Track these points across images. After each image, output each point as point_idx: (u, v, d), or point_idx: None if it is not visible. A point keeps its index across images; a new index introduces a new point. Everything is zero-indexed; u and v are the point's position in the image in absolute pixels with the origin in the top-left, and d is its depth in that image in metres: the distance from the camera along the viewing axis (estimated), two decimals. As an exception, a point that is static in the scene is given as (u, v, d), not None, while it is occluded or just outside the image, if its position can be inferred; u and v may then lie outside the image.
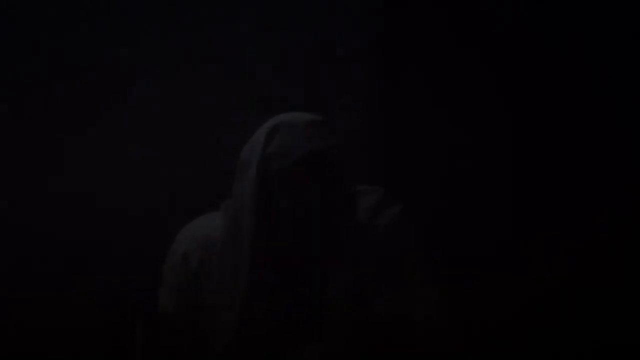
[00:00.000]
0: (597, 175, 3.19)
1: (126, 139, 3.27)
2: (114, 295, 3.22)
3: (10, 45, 3.25)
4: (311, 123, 2.27)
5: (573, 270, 3.15)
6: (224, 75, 3.30)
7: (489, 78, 3.26)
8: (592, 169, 3.20)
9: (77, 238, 3.24)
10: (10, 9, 3.24)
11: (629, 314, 3.10)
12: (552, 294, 3.14)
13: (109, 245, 3.25)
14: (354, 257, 2.25)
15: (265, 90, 3.29)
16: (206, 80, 3.29)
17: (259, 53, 3.30)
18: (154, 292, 2.40)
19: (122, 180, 3.26)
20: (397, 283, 2.24)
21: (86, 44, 3.27)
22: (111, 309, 3.21)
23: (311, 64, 3.30)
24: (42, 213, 3.24)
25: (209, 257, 2.30)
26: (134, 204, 3.26)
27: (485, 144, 3.25)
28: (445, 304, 2.24)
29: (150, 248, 3.17)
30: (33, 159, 3.25)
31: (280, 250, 2.24)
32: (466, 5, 3.26)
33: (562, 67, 3.23)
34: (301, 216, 2.21)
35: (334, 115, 3.24)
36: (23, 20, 3.26)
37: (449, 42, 3.28)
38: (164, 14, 3.29)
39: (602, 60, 3.21)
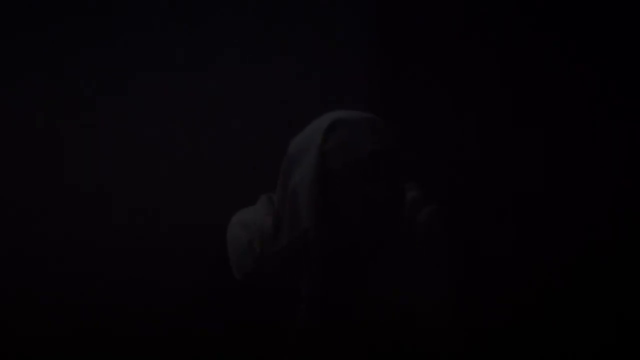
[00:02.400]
0: (600, 173, 3.19)
1: (126, 136, 3.28)
2: (115, 295, 3.22)
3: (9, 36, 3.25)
4: (369, 121, 2.27)
5: (575, 270, 3.15)
6: (222, 74, 3.30)
7: (491, 75, 3.26)
8: (595, 165, 3.20)
9: (78, 237, 3.24)
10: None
11: (630, 315, 3.10)
12: (553, 295, 3.14)
13: (115, 243, 3.25)
14: (395, 248, 2.27)
15: (264, 89, 3.29)
16: (203, 79, 3.30)
17: (258, 51, 3.30)
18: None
19: (126, 176, 3.27)
20: (418, 280, 2.26)
21: (85, 38, 3.28)
22: (113, 309, 3.21)
23: (311, 63, 3.30)
24: (42, 209, 3.24)
25: (268, 246, 2.31)
26: (139, 201, 3.27)
27: (488, 140, 3.25)
28: (454, 307, 2.26)
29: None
30: (33, 153, 3.25)
31: (337, 244, 2.25)
32: (466, 1, 3.26)
33: (565, 59, 3.23)
34: (360, 213, 2.22)
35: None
36: (20, 14, 3.26)
37: (450, 40, 3.27)
38: (166, 6, 3.29)
39: (603, 52, 3.21)
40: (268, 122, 3.27)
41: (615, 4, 3.19)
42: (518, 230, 3.20)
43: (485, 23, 3.26)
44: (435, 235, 2.30)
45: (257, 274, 2.27)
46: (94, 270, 3.23)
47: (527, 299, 3.13)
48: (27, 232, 3.22)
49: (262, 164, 3.19)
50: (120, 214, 3.25)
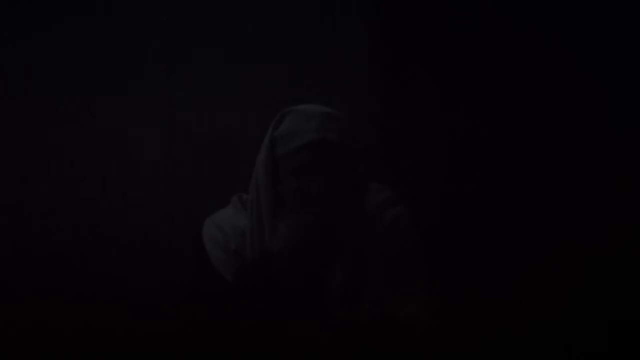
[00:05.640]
0: (598, 173, 3.19)
1: (126, 136, 3.28)
2: (114, 295, 3.22)
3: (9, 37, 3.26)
4: (322, 114, 2.29)
5: (573, 271, 3.15)
6: (222, 73, 3.30)
7: (490, 75, 3.26)
8: (594, 165, 3.20)
9: (76, 236, 3.24)
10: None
11: (629, 315, 3.10)
12: (551, 295, 3.14)
13: (111, 243, 3.25)
14: (357, 248, 2.26)
15: (264, 89, 3.29)
16: (203, 79, 3.30)
17: (259, 52, 3.30)
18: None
19: (125, 177, 3.27)
20: (391, 280, 2.26)
21: (86, 37, 3.28)
22: (111, 308, 3.21)
23: (311, 63, 3.30)
24: (41, 209, 3.24)
25: (242, 244, 2.33)
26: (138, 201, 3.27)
27: (486, 141, 3.25)
28: (434, 304, 2.26)
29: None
30: (33, 153, 3.26)
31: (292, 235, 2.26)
32: (466, 1, 3.27)
33: (565, 59, 3.23)
34: (302, 202, 2.23)
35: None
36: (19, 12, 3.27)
37: (449, 39, 3.28)
38: (165, 7, 3.29)
39: (603, 52, 3.21)
40: (268, 122, 3.26)
41: (615, 4, 3.19)
42: (517, 230, 3.20)
43: (485, 23, 3.26)
44: (399, 235, 2.30)
45: (240, 273, 2.28)
46: (93, 269, 3.23)
47: (526, 299, 3.13)
48: (27, 231, 3.23)
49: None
50: (119, 213, 3.25)
